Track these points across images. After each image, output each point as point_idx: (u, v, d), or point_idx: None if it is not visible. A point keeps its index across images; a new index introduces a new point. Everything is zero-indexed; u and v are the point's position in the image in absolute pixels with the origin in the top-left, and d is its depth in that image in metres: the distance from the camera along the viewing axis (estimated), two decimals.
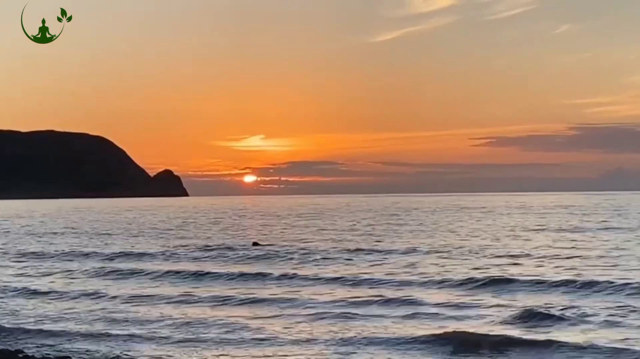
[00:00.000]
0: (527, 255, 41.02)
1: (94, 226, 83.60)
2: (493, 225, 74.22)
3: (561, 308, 24.29)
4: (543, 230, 64.53)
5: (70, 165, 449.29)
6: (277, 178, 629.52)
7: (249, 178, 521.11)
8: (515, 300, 26.10)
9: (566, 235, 56.76)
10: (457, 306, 25.33)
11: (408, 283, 30.56)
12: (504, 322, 22.53)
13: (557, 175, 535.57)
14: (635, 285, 27.92)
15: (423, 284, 30.40)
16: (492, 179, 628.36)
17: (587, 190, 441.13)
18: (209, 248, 48.54)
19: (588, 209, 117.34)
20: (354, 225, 78.57)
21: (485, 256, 40.76)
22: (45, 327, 22.99)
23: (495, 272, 32.99)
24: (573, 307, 24.38)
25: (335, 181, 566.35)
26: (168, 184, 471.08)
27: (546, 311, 23.43)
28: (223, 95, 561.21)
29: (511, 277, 31.01)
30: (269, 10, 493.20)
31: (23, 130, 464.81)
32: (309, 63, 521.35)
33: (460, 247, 46.49)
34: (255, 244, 50.30)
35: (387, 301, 26.18)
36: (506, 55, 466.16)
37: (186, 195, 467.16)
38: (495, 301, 26.03)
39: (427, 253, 43.17)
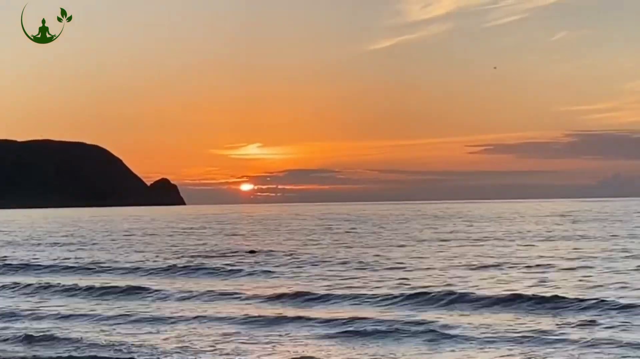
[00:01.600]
0: (450, 267, 39.46)
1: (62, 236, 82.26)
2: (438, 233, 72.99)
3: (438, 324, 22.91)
4: (484, 238, 62.66)
5: (67, 174, 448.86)
6: (274, 186, 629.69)
7: (246, 187, 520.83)
8: (407, 316, 24.67)
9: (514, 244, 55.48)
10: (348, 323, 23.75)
11: (319, 298, 29.03)
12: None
13: (554, 182, 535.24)
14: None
15: (322, 300, 28.81)
16: (489, 186, 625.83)
17: (584, 197, 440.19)
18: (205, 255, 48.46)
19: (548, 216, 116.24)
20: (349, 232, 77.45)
21: (409, 269, 39.13)
22: None
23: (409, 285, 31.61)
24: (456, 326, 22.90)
25: (333, 189, 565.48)
26: (165, 193, 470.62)
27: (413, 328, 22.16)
28: (220, 104, 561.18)
29: (422, 291, 29.35)
30: (266, 19, 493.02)
31: (19, 139, 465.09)
32: (306, 72, 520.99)
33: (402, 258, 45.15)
34: (251, 252, 50.56)
35: (282, 319, 24.61)
36: (503, 63, 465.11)
37: (183, 203, 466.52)
38: (402, 318, 24.45)
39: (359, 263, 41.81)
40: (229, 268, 40.64)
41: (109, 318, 25.95)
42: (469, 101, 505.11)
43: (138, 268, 41.91)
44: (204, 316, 25.33)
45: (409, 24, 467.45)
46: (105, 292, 32.39)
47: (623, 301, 25.53)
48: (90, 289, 33.25)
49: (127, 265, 43.80)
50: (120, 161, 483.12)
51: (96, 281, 36.43)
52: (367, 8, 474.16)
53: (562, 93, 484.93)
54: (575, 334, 21.10)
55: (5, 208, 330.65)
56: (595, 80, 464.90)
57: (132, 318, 25.65)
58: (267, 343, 21.20)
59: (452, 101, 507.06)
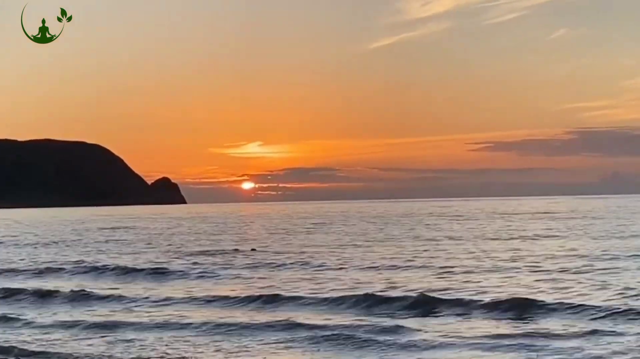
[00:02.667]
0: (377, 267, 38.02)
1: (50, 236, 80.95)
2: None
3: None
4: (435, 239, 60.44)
5: (68, 173, 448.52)
6: (275, 184, 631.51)
7: (247, 185, 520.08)
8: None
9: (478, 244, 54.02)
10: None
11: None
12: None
13: (554, 180, 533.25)
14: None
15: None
16: (489, 184, 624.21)
17: (584, 194, 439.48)
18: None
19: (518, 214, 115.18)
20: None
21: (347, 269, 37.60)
22: None
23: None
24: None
25: (333, 188, 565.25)
26: (166, 192, 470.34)
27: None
28: (220, 102, 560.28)
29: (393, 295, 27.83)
30: (266, 19, 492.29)
31: (20, 139, 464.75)
32: (306, 70, 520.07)
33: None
34: (252, 250, 51.53)
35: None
36: (503, 60, 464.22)
37: (184, 202, 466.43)
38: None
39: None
40: (215, 269, 39.26)
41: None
42: (468, 99, 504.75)
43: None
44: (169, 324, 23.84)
45: (408, 22, 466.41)
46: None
47: (624, 305, 24.06)
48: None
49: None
50: (121, 160, 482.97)
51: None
52: (367, 7, 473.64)
53: (562, 90, 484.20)
54: (572, 341, 19.61)
55: (4, 208, 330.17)
56: (595, 77, 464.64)
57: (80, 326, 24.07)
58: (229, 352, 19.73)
59: (451, 99, 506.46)
